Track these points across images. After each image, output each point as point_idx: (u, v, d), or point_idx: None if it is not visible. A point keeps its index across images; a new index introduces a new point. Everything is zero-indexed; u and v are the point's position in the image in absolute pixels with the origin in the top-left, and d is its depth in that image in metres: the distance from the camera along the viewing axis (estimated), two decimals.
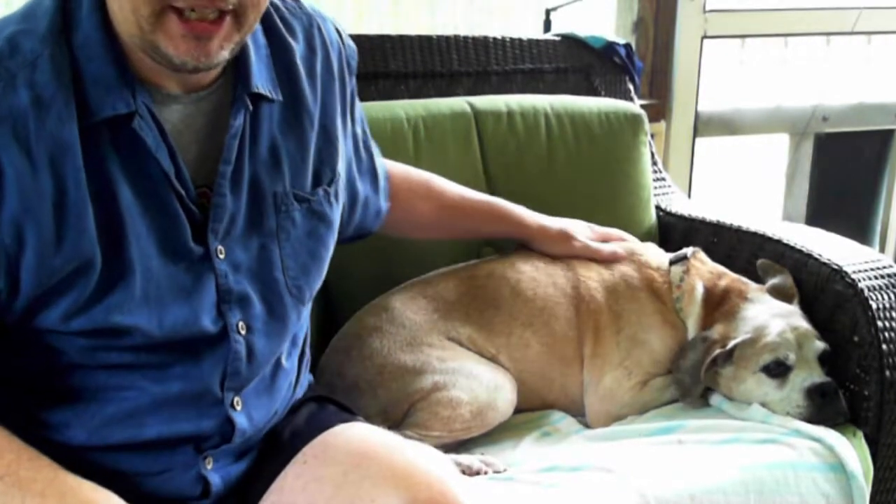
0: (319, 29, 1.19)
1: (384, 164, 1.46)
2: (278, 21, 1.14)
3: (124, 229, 1.00)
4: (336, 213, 1.20)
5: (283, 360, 1.18)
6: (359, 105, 1.33)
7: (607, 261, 1.62)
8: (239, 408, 1.10)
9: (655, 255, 1.66)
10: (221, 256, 1.06)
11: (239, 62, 1.07)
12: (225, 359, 1.08)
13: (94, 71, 0.98)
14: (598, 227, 1.69)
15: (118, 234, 1.00)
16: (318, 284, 1.19)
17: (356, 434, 1.15)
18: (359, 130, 1.34)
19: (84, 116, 0.97)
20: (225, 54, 0.98)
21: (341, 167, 1.22)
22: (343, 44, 1.23)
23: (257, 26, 1.09)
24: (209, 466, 1.10)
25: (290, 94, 1.13)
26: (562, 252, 1.62)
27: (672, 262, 1.63)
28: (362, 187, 1.36)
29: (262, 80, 1.09)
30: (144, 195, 1.01)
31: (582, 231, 1.65)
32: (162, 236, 1.02)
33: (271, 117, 1.11)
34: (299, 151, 1.14)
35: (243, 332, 1.09)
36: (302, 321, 1.20)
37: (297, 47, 1.15)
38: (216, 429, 1.10)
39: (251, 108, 1.07)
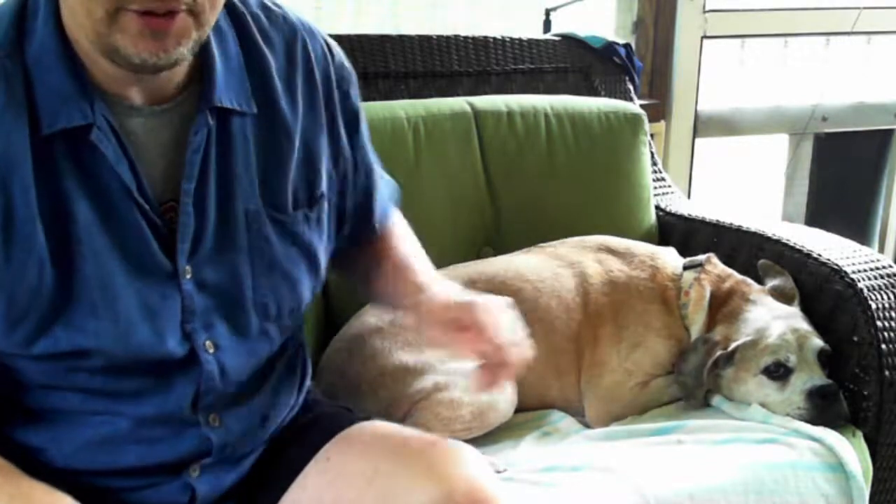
0: (304, 43, 1.13)
1: (387, 210, 1.28)
2: (255, 31, 1.09)
3: (80, 246, 0.97)
4: (315, 238, 1.13)
5: (266, 371, 1.14)
6: (365, 133, 1.22)
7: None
8: (216, 424, 1.08)
9: (672, 262, 1.65)
10: (188, 276, 1.02)
11: (203, 74, 1.03)
12: (197, 379, 1.04)
13: (50, 82, 0.95)
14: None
15: (73, 252, 0.97)
16: (293, 305, 1.12)
17: (380, 430, 1.13)
18: (361, 157, 1.22)
19: (37, 129, 0.94)
20: (183, 51, 0.94)
21: (325, 188, 1.14)
22: (332, 62, 1.15)
23: (230, 34, 1.06)
24: (195, 475, 1.08)
25: (266, 107, 1.08)
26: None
27: (686, 268, 1.63)
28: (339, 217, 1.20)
29: (229, 93, 1.04)
30: (105, 210, 0.98)
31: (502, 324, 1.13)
32: (126, 252, 0.99)
33: (244, 131, 1.06)
34: (275, 167, 1.09)
35: (212, 350, 1.05)
36: (277, 339, 1.13)
37: (274, 59, 1.09)
38: (195, 448, 1.07)
39: (212, 123, 1.02)
